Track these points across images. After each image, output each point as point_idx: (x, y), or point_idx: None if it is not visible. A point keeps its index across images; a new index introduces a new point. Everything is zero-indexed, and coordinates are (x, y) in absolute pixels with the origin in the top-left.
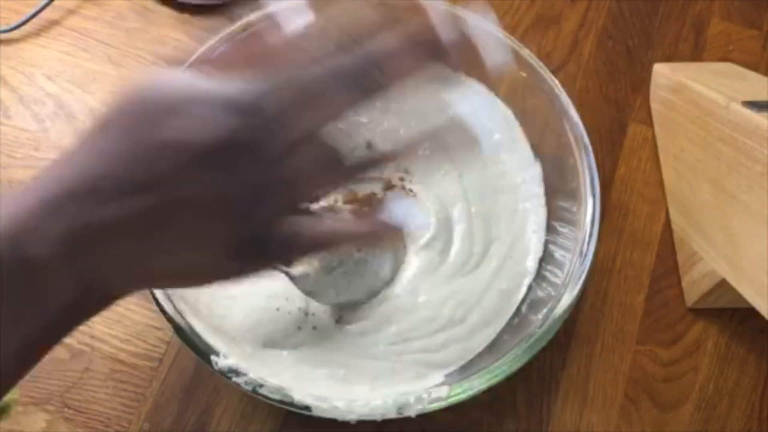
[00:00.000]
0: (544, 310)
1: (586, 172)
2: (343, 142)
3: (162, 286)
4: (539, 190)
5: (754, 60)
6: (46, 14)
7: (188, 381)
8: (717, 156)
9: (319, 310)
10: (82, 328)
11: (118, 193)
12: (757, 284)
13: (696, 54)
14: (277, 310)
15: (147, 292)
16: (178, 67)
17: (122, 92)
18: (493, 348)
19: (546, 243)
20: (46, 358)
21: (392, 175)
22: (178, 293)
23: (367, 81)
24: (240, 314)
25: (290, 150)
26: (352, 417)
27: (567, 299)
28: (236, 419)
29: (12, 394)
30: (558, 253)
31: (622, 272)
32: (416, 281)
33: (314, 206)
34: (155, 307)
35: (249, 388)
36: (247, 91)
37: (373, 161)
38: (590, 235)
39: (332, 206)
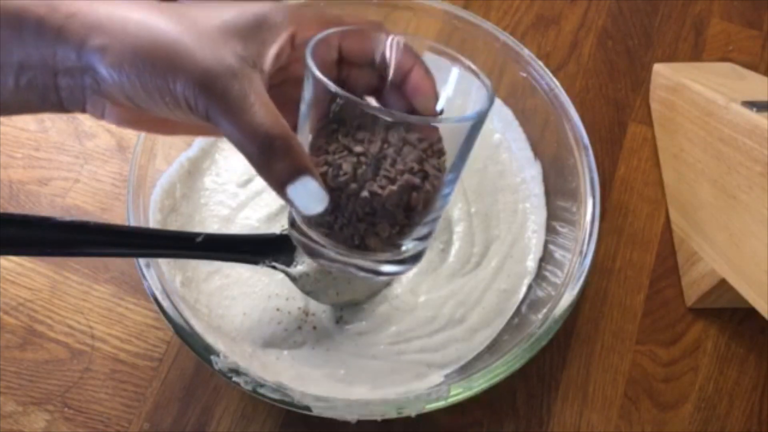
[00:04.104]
0: (544, 310)
1: (586, 172)
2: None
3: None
4: (539, 190)
5: (754, 60)
6: None
7: (188, 381)
8: (717, 156)
9: (319, 310)
10: (82, 327)
11: None
12: (757, 284)
13: (696, 54)
14: (277, 310)
15: (147, 291)
16: None
17: None
18: (493, 348)
19: (546, 243)
20: (46, 358)
21: None
22: (178, 293)
23: None
24: (240, 314)
25: None
26: (352, 417)
27: (567, 299)
28: (236, 419)
29: None
30: (558, 253)
31: (621, 272)
32: (416, 281)
33: None
34: (155, 307)
35: (249, 388)
36: None
37: None
38: (590, 235)
39: None
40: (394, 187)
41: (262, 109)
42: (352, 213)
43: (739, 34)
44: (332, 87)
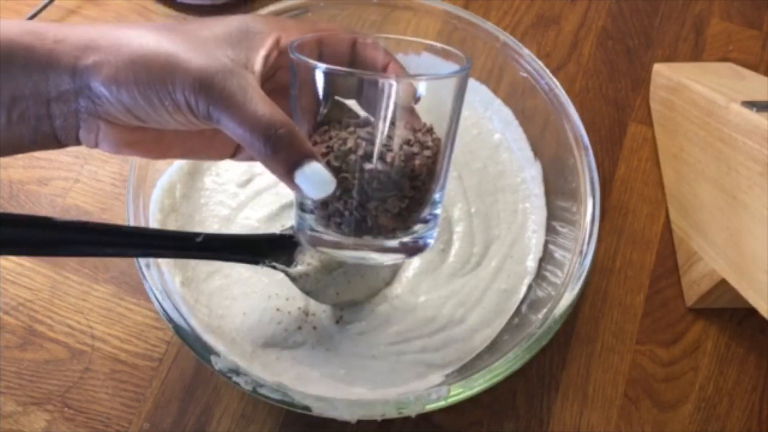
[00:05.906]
0: (544, 310)
1: (586, 172)
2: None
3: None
4: (539, 190)
5: (754, 60)
6: (46, 14)
7: (188, 381)
8: (717, 156)
9: (319, 310)
10: (82, 327)
11: None
12: (757, 284)
13: (696, 54)
14: (277, 310)
15: (147, 291)
16: None
17: None
18: (493, 348)
19: (546, 243)
20: (46, 358)
21: None
22: (178, 293)
23: None
24: (240, 314)
25: None
26: (352, 417)
27: (567, 299)
28: (236, 419)
29: None
30: (558, 253)
31: (621, 272)
32: (416, 281)
33: None
34: (155, 307)
35: (249, 388)
36: None
37: None
38: (590, 235)
39: None
40: (397, 155)
41: (261, 101)
42: (360, 192)
43: (739, 34)
44: (321, 66)
